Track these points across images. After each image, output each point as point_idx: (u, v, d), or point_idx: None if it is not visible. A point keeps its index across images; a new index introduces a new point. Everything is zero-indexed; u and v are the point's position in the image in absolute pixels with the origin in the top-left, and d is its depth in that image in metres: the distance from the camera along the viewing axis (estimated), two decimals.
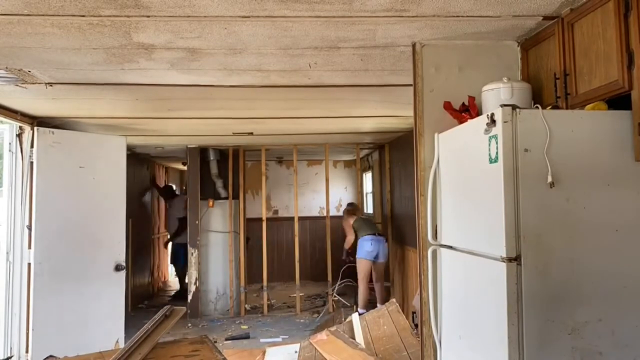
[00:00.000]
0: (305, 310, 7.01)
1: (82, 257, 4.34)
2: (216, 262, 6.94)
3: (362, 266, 6.31)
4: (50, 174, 4.20)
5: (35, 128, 4.19)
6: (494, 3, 2.15)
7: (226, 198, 7.11)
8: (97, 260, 4.45)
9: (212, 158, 7.15)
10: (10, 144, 4.12)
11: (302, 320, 6.49)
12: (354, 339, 4.44)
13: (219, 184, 7.29)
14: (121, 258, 4.65)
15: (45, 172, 4.17)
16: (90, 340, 3.97)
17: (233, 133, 5.81)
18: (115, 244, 4.62)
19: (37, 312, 4.05)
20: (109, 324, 4.48)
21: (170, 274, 9.52)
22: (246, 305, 7.01)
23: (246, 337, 5.64)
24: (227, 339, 5.56)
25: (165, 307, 3.18)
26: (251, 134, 5.83)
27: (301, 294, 7.17)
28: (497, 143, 1.93)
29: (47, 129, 4.25)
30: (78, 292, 4.29)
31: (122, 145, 4.78)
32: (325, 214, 7.26)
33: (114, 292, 4.58)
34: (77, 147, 4.41)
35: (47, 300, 4.10)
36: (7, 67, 2.92)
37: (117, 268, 4.59)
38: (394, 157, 6.97)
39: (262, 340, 5.63)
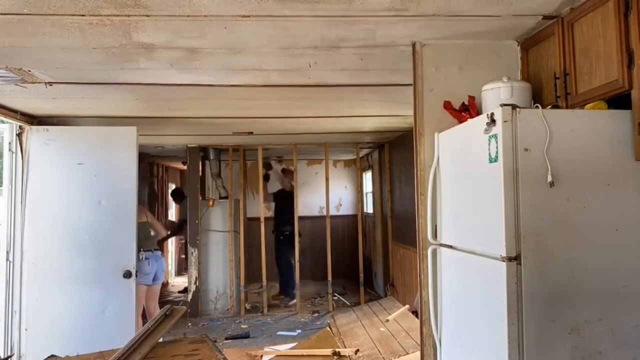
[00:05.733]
0: (305, 310, 7.01)
1: (84, 260, 4.09)
2: (216, 262, 6.94)
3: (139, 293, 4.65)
4: (44, 173, 4.12)
5: (28, 127, 4.16)
6: (494, 2, 2.15)
7: (226, 197, 7.11)
8: (102, 265, 4.09)
9: (212, 157, 7.15)
10: (10, 143, 4.13)
11: (302, 320, 6.49)
12: None
13: (218, 183, 7.29)
14: (131, 264, 4.10)
15: (38, 171, 4.11)
16: (93, 346, 3.72)
17: (233, 132, 5.81)
18: (123, 247, 4.11)
19: (30, 312, 4.03)
20: (115, 333, 3.89)
21: (170, 274, 9.52)
22: (246, 305, 7.01)
23: (246, 336, 5.63)
24: (227, 339, 5.54)
25: (165, 306, 3.18)
26: (251, 133, 5.83)
27: (301, 293, 7.17)
28: (497, 142, 1.93)
29: (40, 127, 4.19)
30: (79, 295, 4.08)
31: (131, 138, 4.19)
32: (325, 214, 7.25)
33: (123, 300, 4.08)
34: (75, 143, 4.18)
35: (41, 301, 4.03)
36: (7, 67, 2.92)
37: (126, 275, 4.07)
38: (394, 156, 6.97)
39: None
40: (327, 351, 4.56)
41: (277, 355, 4.74)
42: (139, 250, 4.56)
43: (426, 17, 2.29)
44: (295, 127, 5.39)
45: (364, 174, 9.17)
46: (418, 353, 3.74)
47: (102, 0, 2.05)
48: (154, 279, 4.93)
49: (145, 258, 4.82)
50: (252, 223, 7.86)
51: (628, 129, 1.94)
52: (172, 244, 9.21)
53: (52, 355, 2.99)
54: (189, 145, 6.84)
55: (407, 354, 4.51)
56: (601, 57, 1.98)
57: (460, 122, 2.46)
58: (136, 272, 4.22)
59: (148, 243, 4.93)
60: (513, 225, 1.89)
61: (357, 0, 2.10)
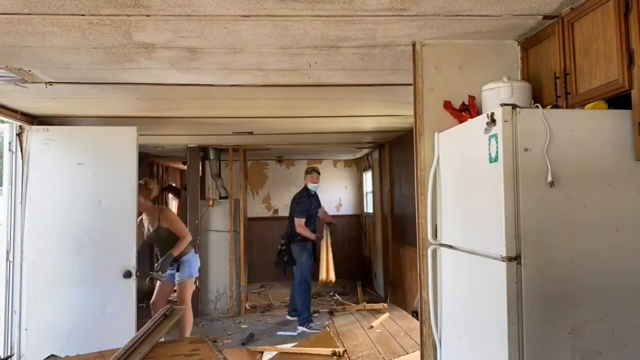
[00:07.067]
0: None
1: (84, 260, 4.07)
2: (216, 262, 6.94)
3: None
4: (44, 173, 4.11)
5: (28, 127, 4.16)
6: (494, 2, 2.15)
7: (226, 197, 7.11)
8: (102, 265, 4.06)
9: (212, 157, 7.15)
10: (10, 143, 4.12)
11: None
12: None
13: (218, 183, 7.29)
14: (131, 264, 4.05)
15: (38, 171, 4.10)
16: (93, 347, 3.70)
17: (233, 132, 5.81)
18: (123, 247, 4.07)
19: (31, 312, 4.03)
20: (115, 333, 3.85)
21: None
22: (246, 305, 7.01)
23: (252, 337, 5.61)
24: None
25: (165, 306, 3.18)
26: (251, 133, 5.83)
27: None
28: (497, 142, 1.93)
29: (40, 127, 4.18)
30: (79, 295, 4.06)
31: (131, 137, 4.17)
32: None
33: (123, 300, 4.04)
34: (75, 143, 4.17)
35: (41, 301, 4.03)
36: (7, 67, 2.92)
37: (126, 275, 4.03)
38: (394, 156, 6.97)
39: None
40: (327, 351, 4.57)
41: (278, 353, 4.74)
42: (194, 247, 5.02)
43: (426, 16, 2.29)
44: (295, 127, 5.39)
45: (364, 174, 9.18)
46: (418, 353, 3.74)
47: (102, 0, 2.05)
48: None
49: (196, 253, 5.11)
50: (252, 223, 7.86)
51: (628, 129, 1.94)
52: None
53: (52, 355, 3.00)
54: (189, 145, 6.84)
55: (407, 353, 4.52)
56: (601, 57, 1.98)
57: (460, 122, 2.46)
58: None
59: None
60: (513, 225, 1.89)
61: (356, 0, 2.10)
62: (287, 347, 5.01)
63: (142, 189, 4.54)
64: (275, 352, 4.77)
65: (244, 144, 6.94)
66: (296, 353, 4.70)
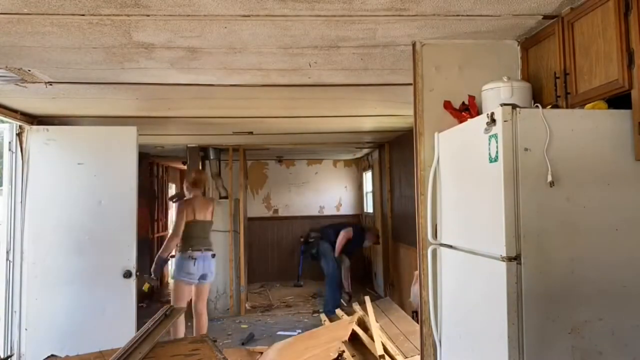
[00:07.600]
0: (305, 310, 7.01)
1: (84, 260, 4.08)
2: (216, 262, 6.92)
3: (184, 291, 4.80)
4: (44, 173, 4.12)
5: (28, 127, 4.16)
6: (494, 2, 2.15)
7: (226, 197, 7.11)
8: (102, 264, 4.07)
9: (212, 157, 7.15)
10: (10, 143, 4.13)
11: (302, 320, 6.49)
12: None
13: (219, 183, 7.29)
14: (131, 264, 4.07)
15: (38, 171, 4.11)
16: (93, 347, 3.70)
17: (233, 132, 5.81)
18: (123, 247, 4.08)
19: (30, 312, 4.03)
20: (115, 333, 3.83)
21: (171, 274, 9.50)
22: (246, 305, 7.01)
23: (251, 337, 5.62)
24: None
25: (166, 306, 3.18)
26: (251, 133, 5.83)
27: (301, 293, 7.17)
28: (497, 142, 1.93)
29: (40, 127, 4.19)
30: (79, 295, 4.07)
31: (131, 138, 4.19)
32: (324, 213, 7.25)
33: (123, 300, 4.06)
34: (75, 144, 4.18)
35: (41, 301, 4.03)
36: (7, 66, 2.92)
37: (126, 275, 4.04)
38: (394, 156, 6.97)
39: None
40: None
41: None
42: (187, 249, 4.70)
43: (426, 16, 2.29)
44: (295, 127, 5.39)
45: (364, 174, 9.18)
46: (418, 357, 3.72)
47: (102, 0, 2.05)
48: (201, 278, 4.79)
49: (192, 258, 4.70)
50: (252, 223, 7.86)
51: (628, 129, 1.93)
52: None
53: (52, 355, 3.00)
54: (189, 145, 6.84)
55: (406, 357, 4.50)
56: (601, 56, 1.98)
57: (460, 122, 2.46)
58: (179, 269, 4.61)
59: (199, 242, 4.78)
60: (513, 225, 1.89)
61: (356, 0, 2.09)
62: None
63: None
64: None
65: (244, 144, 6.94)
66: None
